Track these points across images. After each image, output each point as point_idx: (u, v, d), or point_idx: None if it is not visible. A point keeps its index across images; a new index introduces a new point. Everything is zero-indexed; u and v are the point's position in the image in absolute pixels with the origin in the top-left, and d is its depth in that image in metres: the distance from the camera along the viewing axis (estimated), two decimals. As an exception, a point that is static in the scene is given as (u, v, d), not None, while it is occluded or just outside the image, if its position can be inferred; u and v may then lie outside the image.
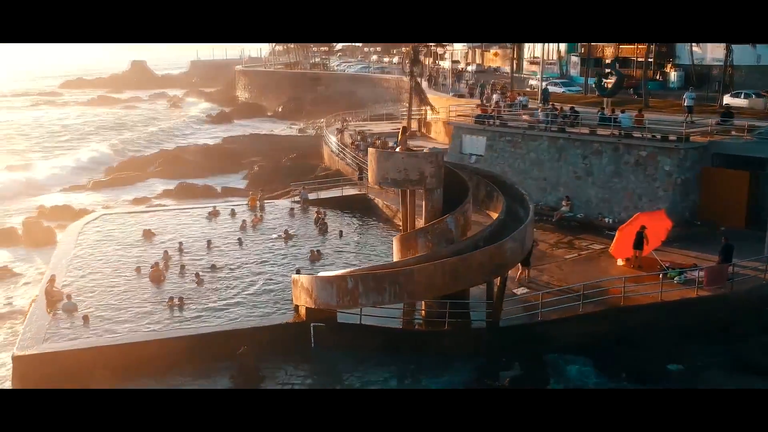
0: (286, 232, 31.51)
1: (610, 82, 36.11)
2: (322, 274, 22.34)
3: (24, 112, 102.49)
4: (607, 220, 28.85)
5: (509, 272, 21.47)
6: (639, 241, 23.77)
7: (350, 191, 37.30)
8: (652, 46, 57.51)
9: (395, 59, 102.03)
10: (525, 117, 35.37)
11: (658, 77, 57.52)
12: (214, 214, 35.03)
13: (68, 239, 31.12)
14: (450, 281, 19.65)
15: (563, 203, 30.17)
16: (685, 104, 34.41)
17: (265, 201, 37.57)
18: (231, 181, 49.20)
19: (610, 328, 20.83)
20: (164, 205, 40.33)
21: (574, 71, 65.04)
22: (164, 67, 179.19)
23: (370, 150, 21.84)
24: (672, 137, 28.23)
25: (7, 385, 19.86)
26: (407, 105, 50.32)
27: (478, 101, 41.81)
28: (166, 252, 27.89)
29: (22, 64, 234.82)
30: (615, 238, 24.44)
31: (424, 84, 57.13)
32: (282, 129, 74.88)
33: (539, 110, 33.94)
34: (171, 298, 23.62)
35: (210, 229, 32.66)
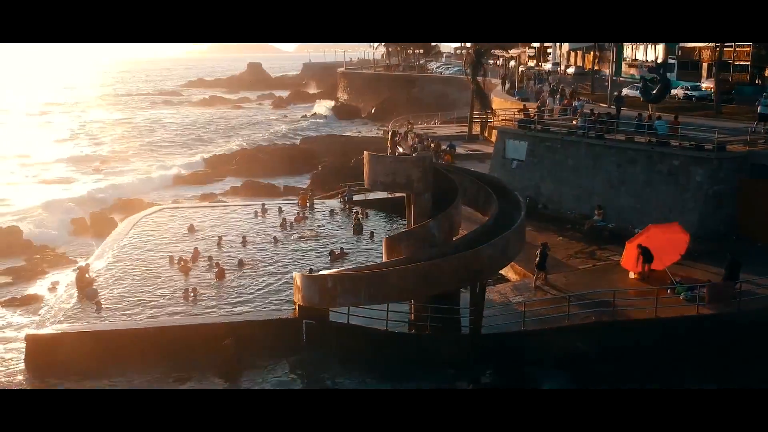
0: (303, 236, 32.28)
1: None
2: (319, 273, 22.96)
3: (137, 112, 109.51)
4: (636, 231, 27.55)
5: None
6: (647, 254, 22.75)
7: (396, 193, 37.45)
8: (750, 48, 54.29)
9: (490, 61, 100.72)
10: (574, 122, 34.30)
11: (757, 81, 54.03)
12: (262, 212, 36.31)
13: (121, 230, 33.31)
14: (422, 285, 19.69)
15: (596, 212, 29.18)
16: (758, 111, 32.12)
17: (316, 200, 38.53)
18: (298, 181, 50.61)
19: (594, 343, 20.09)
20: (224, 202, 42.18)
21: (670, 74, 62.06)
22: (281, 69, 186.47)
23: (365, 153, 22.22)
24: (708, 146, 26.66)
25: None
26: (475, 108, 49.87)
27: (537, 104, 40.92)
28: (196, 249, 29.19)
29: (156, 64, 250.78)
30: (624, 251, 23.51)
31: (498, 87, 56.39)
32: (369, 130, 75.88)
33: (578, 115, 32.85)
34: (186, 290, 24.92)
35: (254, 226, 33.87)
